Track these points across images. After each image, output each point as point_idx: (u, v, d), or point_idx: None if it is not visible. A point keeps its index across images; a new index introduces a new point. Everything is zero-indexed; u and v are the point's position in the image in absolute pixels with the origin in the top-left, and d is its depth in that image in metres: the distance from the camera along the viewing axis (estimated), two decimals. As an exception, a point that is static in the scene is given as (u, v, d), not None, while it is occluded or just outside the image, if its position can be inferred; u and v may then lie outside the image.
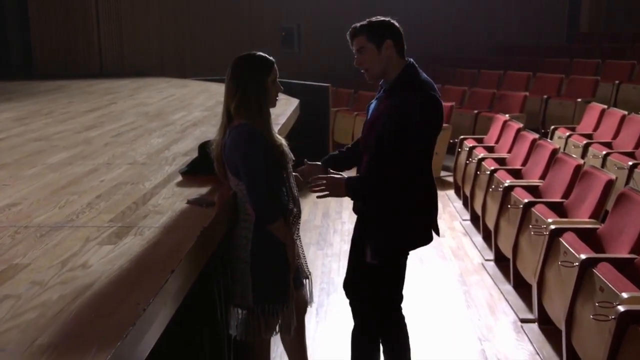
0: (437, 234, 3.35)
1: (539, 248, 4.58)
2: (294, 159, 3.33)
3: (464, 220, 7.16)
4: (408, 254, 3.32)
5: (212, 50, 12.90)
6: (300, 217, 3.30)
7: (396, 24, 3.16)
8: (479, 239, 6.50)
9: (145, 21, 12.87)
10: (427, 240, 3.29)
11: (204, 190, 3.26)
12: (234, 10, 13.65)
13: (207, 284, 3.23)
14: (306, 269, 3.47)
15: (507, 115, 8.15)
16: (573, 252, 3.94)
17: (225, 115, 3.14)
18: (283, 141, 3.21)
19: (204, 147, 3.54)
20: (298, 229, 3.32)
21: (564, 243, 4.13)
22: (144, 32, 12.85)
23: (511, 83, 11.07)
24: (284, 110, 6.26)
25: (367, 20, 3.17)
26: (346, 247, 6.47)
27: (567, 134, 7.54)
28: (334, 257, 6.10)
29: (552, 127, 8.13)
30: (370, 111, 3.29)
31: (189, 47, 13.25)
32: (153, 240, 2.47)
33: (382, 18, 3.16)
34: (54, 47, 12.34)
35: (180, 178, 3.55)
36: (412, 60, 3.19)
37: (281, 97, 7.73)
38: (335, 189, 3.17)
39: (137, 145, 4.57)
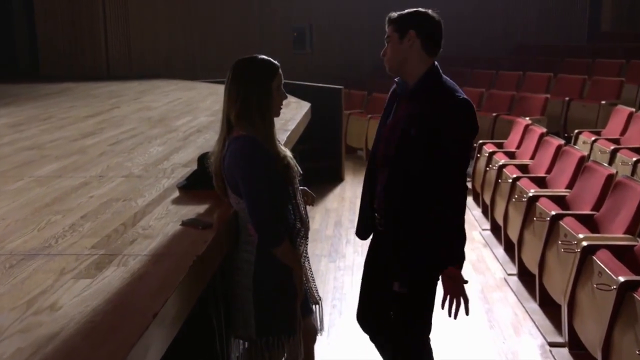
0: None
1: (568, 265, 4.22)
2: (301, 172, 3.00)
3: (483, 230, 6.80)
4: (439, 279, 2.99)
5: (222, 51, 12.58)
6: (307, 237, 2.98)
7: (434, 16, 2.86)
8: (500, 251, 6.14)
9: (153, 22, 12.57)
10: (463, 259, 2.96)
11: (201, 208, 2.94)
12: (243, 10, 13.34)
13: (205, 311, 2.92)
14: (316, 294, 3.14)
15: (527, 119, 7.79)
16: (610, 273, 3.58)
17: (225, 124, 2.83)
18: (288, 153, 2.89)
19: (203, 159, 3.23)
20: (306, 249, 3.00)
21: (599, 262, 3.77)
22: (153, 33, 12.55)
23: (531, 84, 10.66)
24: (293, 115, 5.93)
25: (408, 10, 2.88)
26: (360, 259, 6.15)
27: (593, 138, 7.14)
28: (346, 270, 5.76)
29: (576, 131, 7.74)
30: (386, 119, 2.96)
31: (198, 48, 12.94)
32: (138, 272, 2.15)
33: (421, 9, 2.87)
34: (60, 49, 12.08)
35: (177, 193, 3.23)
36: (436, 63, 2.88)
37: (292, 100, 7.42)
38: (459, 284, 2.87)
39: (134, 155, 4.25)
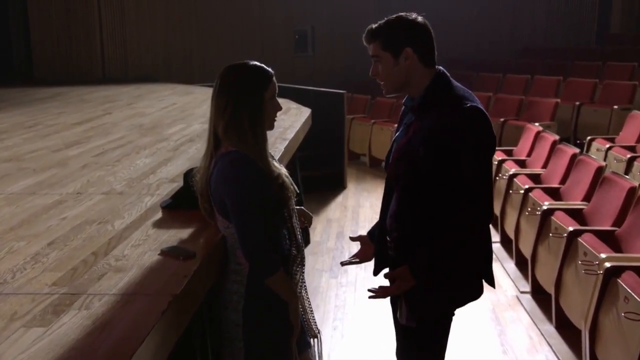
0: (492, 284, 2.66)
1: (589, 286, 3.89)
2: (297, 191, 2.68)
3: (493, 242, 6.44)
4: (454, 313, 2.66)
5: (221, 54, 12.26)
6: (304, 264, 2.66)
7: (421, 22, 2.47)
8: (511, 265, 5.81)
9: (151, 24, 12.25)
10: (479, 294, 2.62)
11: (185, 232, 2.62)
12: (244, 12, 13.01)
13: (189, 350, 2.60)
14: (314, 326, 2.80)
15: (536, 124, 7.46)
16: (639, 300, 3.24)
17: (212, 139, 2.52)
18: (283, 171, 2.56)
19: (189, 176, 2.91)
20: (302, 277, 2.67)
21: (625, 287, 3.43)
22: (150, 35, 12.23)
23: (539, 88, 10.31)
24: (293, 122, 5.61)
25: (385, 19, 2.48)
26: (363, 274, 5.84)
27: (607, 146, 6.81)
28: (349, 286, 5.43)
29: (589, 137, 7.40)
30: (397, 137, 2.62)
31: (197, 51, 12.61)
32: (101, 318, 1.82)
33: (404, 16, 2.47)
34: (55, 52, 11.76)
35: (160, 214, 2.91)
36: (442, 68, 2.52)
37: (292, 106, 7.10)
38: (402, 286, 2.49)
39: (119, 167, 3.93)
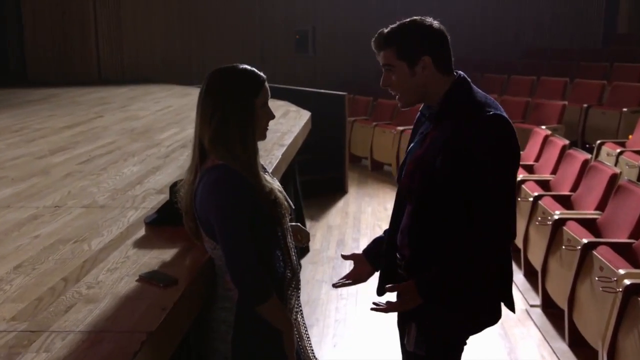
0: (512, 309, 2.39)
1: (606, 304, 3.64)
2: (293, 207, 2.44)
3: (500, 251, 6.21)
4: (466, 342, 2.41)
5: (221, 55, 12.01)
6: (300, 287, 2.42)
7: (438, 28, 2.24)
8: (519, 276, 5.55)
9: (148, 23, 12.00)
10: (496, 319, 2.36)
11: (168, 254, 2.37)
12: (244, 12, 12.76)
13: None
14: (311, 354, 2.56)
15: (543, 127, 7.20)
16: (664, 323, 3.00)
17: (197, 150, 2.27)
18: (276, 185, 2.32)
19: (174, 189, 2.66)
20: (299, 302, 2.44)
21: (648, 307, 3.19)
22: (147, 35, 11.97)
23: (545, 90, 10.06)
24: (291, 126, 5.36)
25: (398, 24, 2.23)
26: (364, 285, 5.55)
27: (618, 150, 6.56)
28: (349, 298, 5.18)
29: (599, 141, 7.14)
30: (411, 148, 2.37)
31: (196, 51, 12.36)
32: (62, 364, 1.57)
33: (420, 21, 2.23)
34: (49, 52, 11.51)
35: (143, 231, 2.66)
36: (462, 73, 2.29)
37: (291, 109, 6.86)
38: (407, 302, 2.26)
39: (104, 177, 3.68)
